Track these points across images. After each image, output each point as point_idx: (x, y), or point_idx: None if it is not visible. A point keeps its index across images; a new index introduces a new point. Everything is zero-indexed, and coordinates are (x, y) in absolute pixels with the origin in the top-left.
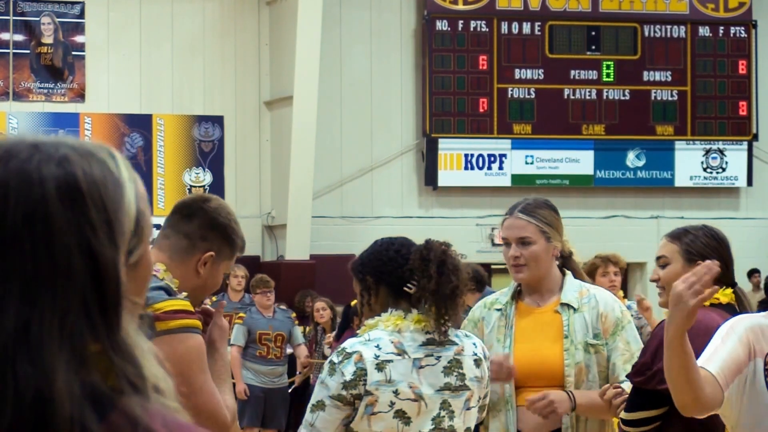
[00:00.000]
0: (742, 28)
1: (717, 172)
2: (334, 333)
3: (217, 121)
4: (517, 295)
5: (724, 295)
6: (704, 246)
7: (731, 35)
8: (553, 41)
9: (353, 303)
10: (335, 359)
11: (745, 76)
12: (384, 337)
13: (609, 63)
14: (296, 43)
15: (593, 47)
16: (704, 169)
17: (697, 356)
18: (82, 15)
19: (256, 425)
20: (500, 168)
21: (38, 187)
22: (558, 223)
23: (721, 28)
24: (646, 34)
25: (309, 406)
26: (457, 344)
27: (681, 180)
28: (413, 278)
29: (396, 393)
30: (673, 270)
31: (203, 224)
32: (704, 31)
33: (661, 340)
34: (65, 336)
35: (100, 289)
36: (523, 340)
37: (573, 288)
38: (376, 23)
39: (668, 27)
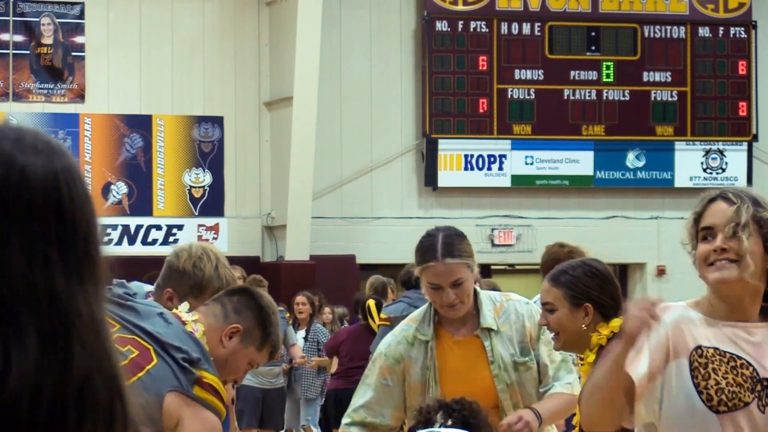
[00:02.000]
0: (742, 28)
1: (717, 173)
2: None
3: (217, 121)
4: (436, 325)
5: (611, 330)
6: (586, 286)
7: (731, 36)
8: (552, 42)
9: (371, 303)
10: None
11: (744, 76)
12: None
13: (609, 63)
14: (296, 43)
15: (593, 48)
16: (704, 170)
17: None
18: (81, 15)
19: (255, 426)
20: (500, 169)
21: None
22: (472, 248)
23: (721, 28)
24: (646, 34)
25: None
26: None
27: (681, 180)
28: None
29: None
30: (561, 315)
31: (243, 301)
32: (704, 31)
33: None
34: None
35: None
36: (452, 371)
37: (488, 308)
38: (376, 24)
39: (668, 27)
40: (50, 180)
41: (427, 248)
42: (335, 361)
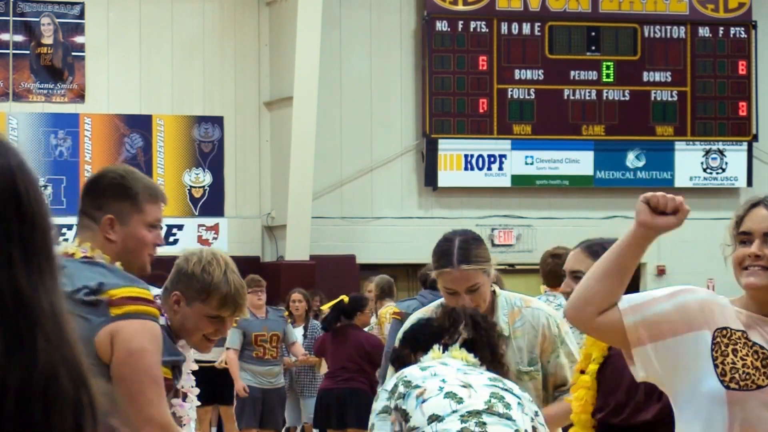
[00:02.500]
0: (742, 28)
1: (717, 173)
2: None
3: (217, 121)
4: None
5: None
6: None
7: (731, 36)
8: (553, 42)
9: (345, 298)
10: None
11: (744, 76)
12: (425, 358)
13: (609, 63)
14: (296, 43)
15: (593, 48)
16: (704, 170)
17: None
18: (81, 15)
19: (254, 426)
20: (500, 168)
21: None
22: (488, 253)
23: (721, 28)
24: (646, 34)
25: None
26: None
27: (681, 180)
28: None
29: (444, 381)
30: None
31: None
32: (704, 31)
33: (631, 376)
34: None
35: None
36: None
37: (503, 312)
38: (376, 23)
39: (668, 27)
40: (8, 178)
41: (443, 253)
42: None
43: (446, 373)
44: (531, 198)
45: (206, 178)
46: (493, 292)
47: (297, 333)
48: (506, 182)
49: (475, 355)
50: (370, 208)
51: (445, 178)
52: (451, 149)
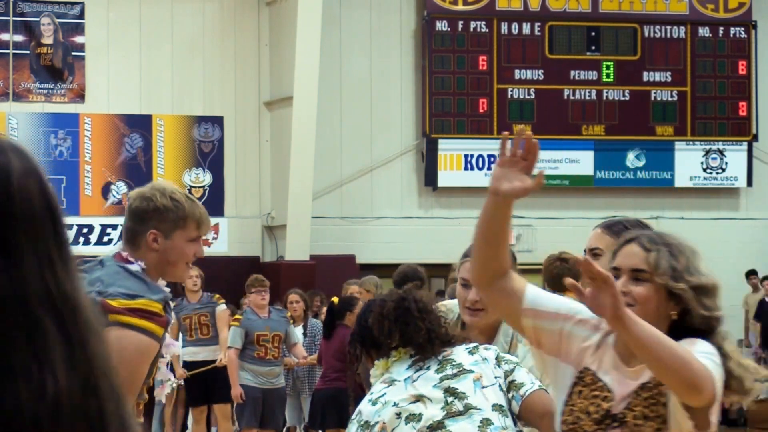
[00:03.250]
0: (742, 28)
1: (717, 173)
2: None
3: (217, 121)
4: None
5: None
6: None
7: (731, 36)
8: (553, 42)
9: (335, 299)
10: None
11: (744, 76)
12: (376, 385)
13: (609, 63)
14: (296, 43)
15: (593, 48)
16: (704, 170)
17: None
18: (81, 15)
19: (255, 426)
20: None
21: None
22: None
23: (721, 28)
24: (646, 34)
25: None
26: (443, 351)
27: (681, 180)
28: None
29: (396, 405)
30: (604, 262)
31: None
32: (704, 31)
33: None
34: None
35: None
36: None
37: (505, 339)
38: (376, 23)
39: (668, 27)
40: (38, 179)
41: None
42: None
43: (396, 395)
44: (531, 198)
45: (206, 178)
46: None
47: (298, 332)
48: None
49: (412, 349)
50: (370, 208)
51: (445, 178)
52: (451, 149)
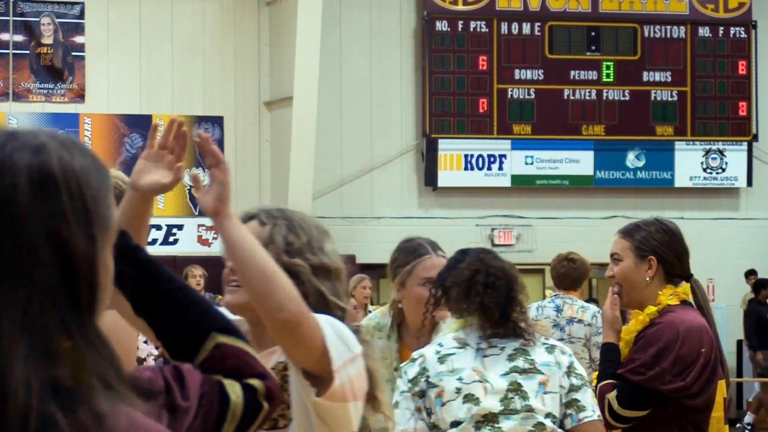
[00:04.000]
0: (742, 28)
1: (717, 173)
2: None
3: (217, 121)
4: (396, 330)
5: (676, 295)
6: (657, 242)
7: (731, 36)
8: (552, 42)
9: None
10: (402, 365)
11: (744, 76)
12: (448, 336)
13: (609, 63)
14: (296, 43)
15: (593, 48)
16: (704, 170)
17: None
18: (81, 15)
19: None
20: (500, 168)
21: (8, 174)
22: None
23: (721, 28)
24: (646, 34)
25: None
26: (524, 338)
27: (681, 180)
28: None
29: (460, 379)
30: (626, 266)
31: None
32: (704, 31)
33: (666, 344)
34: (27, 328)
35: (72, 282)
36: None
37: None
38: (376, 23)
39: (668, 27)
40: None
41: (414, 248)
42: None
43: (463, 366)
44: (531, 198)
45: (206, 178)
46: None
47: None
48: (506, 182)
49: (487, 318)
50: (370, 208)
51: (445, 178)
52: (451, 149)
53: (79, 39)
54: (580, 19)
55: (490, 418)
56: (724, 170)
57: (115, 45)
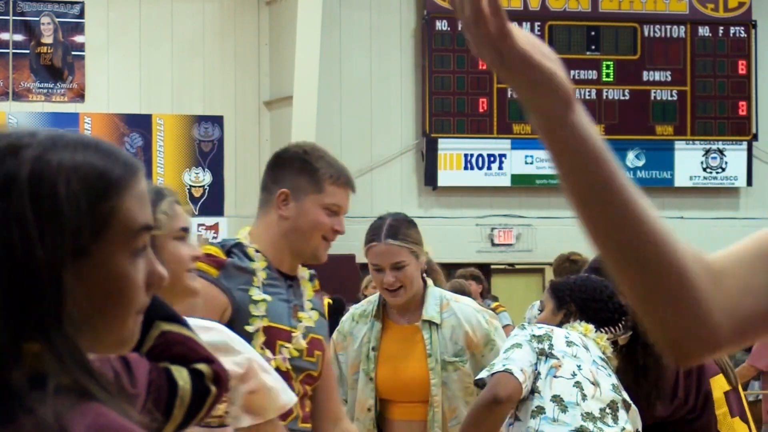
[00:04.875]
0: (742, 28)
1: (717, 172)
2: None
3: (217, 121)
4: (382, 309)
5: None
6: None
7: (731, 35)
8: (552, 41)
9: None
10: (527, 325)
11: (744, 76)
12: (574, 333)
13: (609, 63)
14: (296, 43)
15: (593, 47)
16: (704, 169)
17: None
18: (81, 15)
19: None
20: (500, 168)
21: None
22: (420, 237)
23: (721, 28)
24: (646, 34)
25: (502, 349)
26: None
27: (681, 180)
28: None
29: (579, 367)
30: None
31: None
32: (704, 31)
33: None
34: None
35: (29, 288)
36: (389, 358)
37: (434, 302)
38: (375, 23)
39: (668, 27)
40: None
41: (373, 230)
42: None
43: (583, 360)
44: (531, 197)
45: (206, 178)
46: (425, 282)
47: None
48: (506, 182)
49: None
50: (370, 207)
51: (444, 178)
52: (451, 149)
53: (79, 39)
54: (579, 19)
55: (592, 418)
56: (723, 170)
57: (115, 45)
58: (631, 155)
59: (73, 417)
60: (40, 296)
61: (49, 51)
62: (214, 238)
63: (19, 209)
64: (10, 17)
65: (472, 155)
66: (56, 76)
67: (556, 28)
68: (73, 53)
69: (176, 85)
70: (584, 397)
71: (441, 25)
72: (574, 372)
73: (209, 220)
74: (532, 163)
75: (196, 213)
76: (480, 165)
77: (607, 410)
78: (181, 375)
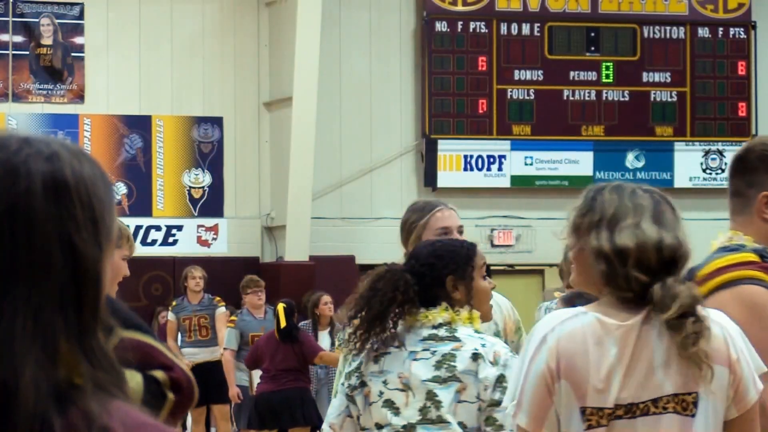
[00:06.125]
0: (742, 29)
1: (716, 173)
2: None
3: (217, 122)
4: None
5: None
6: None
7: (730, 36)
8: (552, 42)
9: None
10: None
11: (744, 77)
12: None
13: (608, 64)
14: (296, 43)
15: (592, 48)
16: (703, 170)
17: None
18: (81, 16)
19: (254, 426)
20: (499, 169)
21: (24, 180)
22: None
23: (721, 29)
24: (646, 35)
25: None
26: (459, 341)
27: (680, 181)
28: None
29: (385, 383)
30: None
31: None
32: (703, 32)
33: None
34: (38, 332)
35: (79, 287)
36: None
37: None
38: (375, 24)
39: (667, 28)
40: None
41: (425, 204)
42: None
43: (391, 369)
44: (530, 198)
45: (206, 179)
46: None
47: (324, 336)
48: (506, 183)
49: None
50: (370, 208)
51: (444, 179)
52: (450, 150)
53: (78, 40)
54: (579, 20)
55: (408, 429)
56: (723, 171)
57: (114, 45)
58: (630, 156)
59: (109, 413)
60: (86, 295)
61: (48, 52)
62: (214, 239)
63: (73, 212)
64: (9, 18)
65: (471, 156)
66: (56, 77)
67: (555, 29)
68: (73, 54)
69: (176, 86)
70: (396, 411)
71: (441, 26)
72: (380, 392)
73: (209, 222)
74: (531, 164)
75: (196, 214)
76: (479, 166)
77: (427, 404)
78: (134, 378)
